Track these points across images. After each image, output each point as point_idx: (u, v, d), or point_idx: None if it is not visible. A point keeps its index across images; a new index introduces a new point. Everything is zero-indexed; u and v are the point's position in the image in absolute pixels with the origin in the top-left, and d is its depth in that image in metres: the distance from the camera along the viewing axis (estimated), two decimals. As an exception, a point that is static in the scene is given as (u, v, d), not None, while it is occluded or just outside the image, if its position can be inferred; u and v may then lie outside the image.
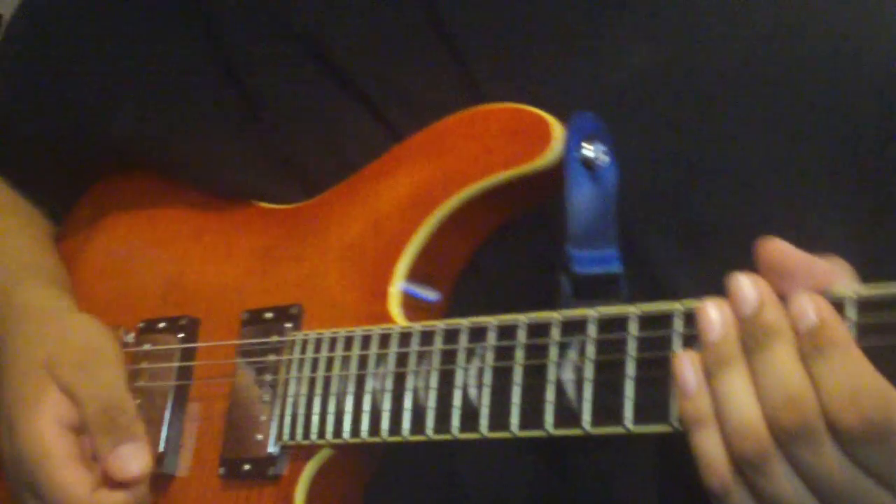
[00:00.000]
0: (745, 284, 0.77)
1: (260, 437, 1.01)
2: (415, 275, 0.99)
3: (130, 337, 1.15)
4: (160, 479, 1.07)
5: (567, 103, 0.94)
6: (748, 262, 0.81)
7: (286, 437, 0.99)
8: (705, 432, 0.77)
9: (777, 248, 0.78)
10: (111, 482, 0.99)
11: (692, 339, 0.80)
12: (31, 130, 1.23)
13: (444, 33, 1.00)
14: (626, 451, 0.93)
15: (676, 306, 0.81)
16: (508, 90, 0.97)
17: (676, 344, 0.80)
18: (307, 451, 0.99)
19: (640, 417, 0.81)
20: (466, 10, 1.00)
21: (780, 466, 0.74)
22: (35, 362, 1.04)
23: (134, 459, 0.98)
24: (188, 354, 1.10)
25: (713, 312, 0.78)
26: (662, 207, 0.94)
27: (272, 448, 1.00)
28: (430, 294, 0.99)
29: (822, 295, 0.76)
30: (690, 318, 0.80)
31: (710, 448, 0.76)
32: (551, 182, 0.94)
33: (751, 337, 0.76)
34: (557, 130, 0.92)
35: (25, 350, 1.06)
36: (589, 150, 0.92)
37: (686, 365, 0.78)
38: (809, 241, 0.85)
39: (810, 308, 0.74)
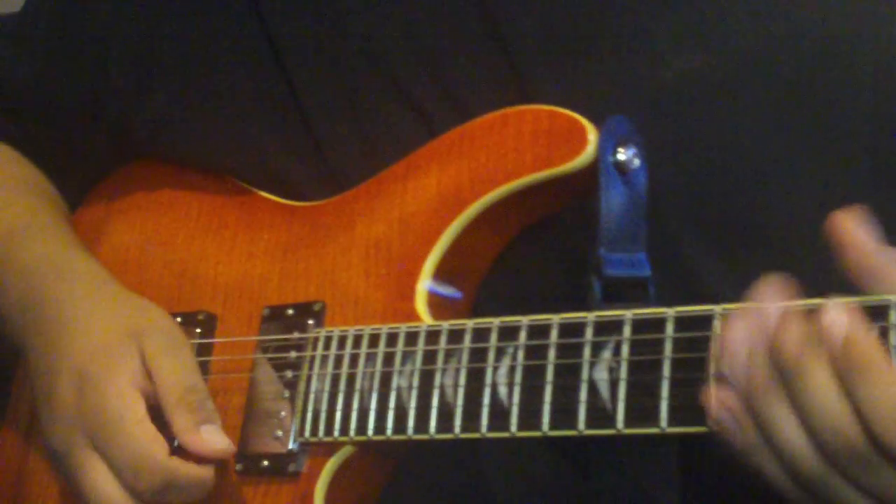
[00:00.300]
0: (769, 299, 0.76)
1: (280, 433, 1.01)
2: (442, 273, 0.99)
3: (144, 332, 1.14)
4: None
5: (608, 103, 0.95)
6: (781, 263, 0.81)
7: (307, 433, 0.98)
8: (761, 457, 0.76)
9: (849, 227, 0.77)
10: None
11: (731, 341, 0.80)
12: (56, 107, 1.22)
13: (494, 29, 1.01)
14: (647, 449, 0.93)
15: (714, 308, 0.82)
16: (553, 87, 0.98)
17: (714, 345, 0.81)
18: (328, 449, 0.98)
19: (675, 418, 0.82)
20: (518, 8, 1.00)
21: (842, 482, 0.74)
22: (120, 327, 1.03)
23: (219, 437, 0.98)
24: (205, 350, 1.09)
25: (737, 340, 0.76)
26: (698, 209, 0.95)
27: (292, 444, 1.00)
28: (456, 293, 1.00)
29: (864, 301, 0.76)
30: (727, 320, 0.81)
31: (771, 469, 0.76)
32: (582, 184, 0.94)
33: (783, 361, 0.75)
34: (592, 134, 0.93)
35: (105, 313, 1.05)
36: (622, 154, 0.93)
37: (716, 404, 0.77)
38: None
39: (840, 321, 0.73)
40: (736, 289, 0.90)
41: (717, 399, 0.77)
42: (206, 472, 0.98)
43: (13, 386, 1.22)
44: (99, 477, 0.98)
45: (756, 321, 0.76)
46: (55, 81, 1.22)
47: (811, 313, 0.76)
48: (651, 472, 0.94)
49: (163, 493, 0.97)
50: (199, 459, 0.98)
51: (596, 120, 0.94)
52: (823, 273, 0.92)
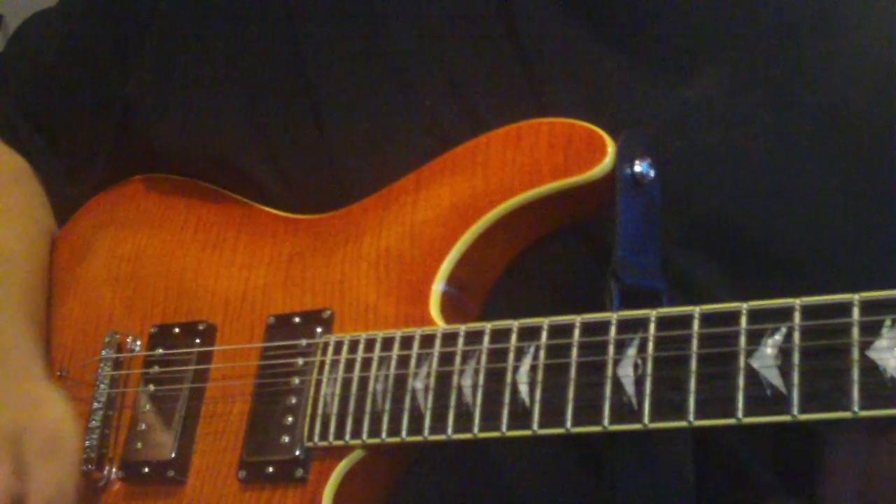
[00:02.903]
0: None
1: (286, 439, 1.00)
2: (455, 280, 1.00)
3: (137, 344, 1.14)
4: (172, 485, 1.06)
5: (626, 116, 0.97)
6: (790, 288, 0.84)
7: (317, 438, 0.98)
8: None
9: None
10: None
11: (758, 335, 0.83)
12: (80, 84, 1.23)
13: (515, 41, 1.03)
14: (660, 449, 0.94)
15: (741, 305, 0.84)
16: (570, 100, 1.00)
17: (742, 340, 0.83)
18: (337, 453, 0.98)
19: (703, 412, 0.83)
20: (540, 19, 1.03)
21: None
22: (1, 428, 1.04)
23: None
24: (205, 359, 1.08)
25: None
26: (709, 230, 0.97)
27: (299, 450, 0.99)
28: (468, 298, 1.01)
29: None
30: (755, 316, 0.83)
31: None
32: (597, 196, 0.97)
33: None
34: (611, 145, 0.95)
35: None
36: (638, 166, 0.96)
37: None
38: (852, 262, 0.90)
39: None
40: None
41: None
42: None
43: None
44: None
45: None
46: (79, 57, 1.23)
47: None
48: (667, 479, 0.96)
49: None
50: None
51: (609, 133, 0.96)
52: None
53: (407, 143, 1.06)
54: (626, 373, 0.87)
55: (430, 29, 1.07)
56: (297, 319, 1.04)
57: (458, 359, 0.94)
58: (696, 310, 0.86)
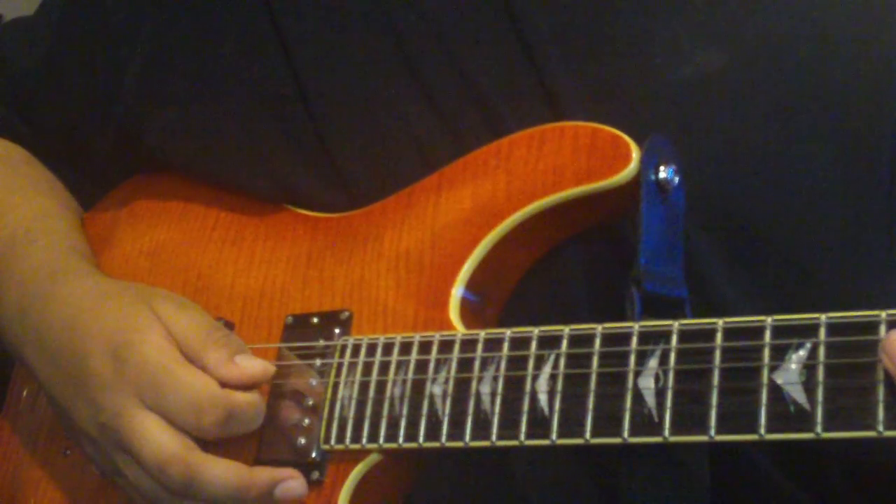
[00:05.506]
0: None
1: (303, 440, 0.99)
2: (474, 284, 0.99)
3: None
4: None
5: (628, 99, 0.96)
6: (802, 279, 0.83)
7: (333, 441, 0.98)
8: None
9: None
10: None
11: (782, 350, 0.81)
12: (62, 99, 1.21)
13: (516, 28, 1.01)
14: (676, 461, 0.94)
15: (766, 319, 0.83)
16: (573, 85, 0.99)
17: (766, 355, 0.82)
18: (353, 456, 0.97)
19: (724, 426, 0.82)
20: (539, 6, 1.01)
21: None
22: (130, 301, 1.04)
23: (255, 362, 1.00)
24: (222, 357, 1.08)
25: None
26: (714, 216, 0.96)
27: (316, 452, 0.99)
28: (487, 302, 1.00)
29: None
30: (780, 331, 0.82)
31: None
32: (620, 202, 0.95)
33: None
34: (636, 151, 0.94)
35: (111, 296, 1.06)
36: (663, 172, 0.94)
37: None
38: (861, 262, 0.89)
39: None
40: (753, 301, 0.92)
41: None
42: (257, 398, 0.99)
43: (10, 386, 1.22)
44: (155, 430, 0.97)
45: None
46: (64, 71, 1.20)
47: None
48: (683, 491, 0.95)
49: (226, 424, 0.97)
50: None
51: (614, 123, 0.96)
52: (845, 286, 0.95)
53: (411, 143, 1.05)
54: (647, 384, 0.86)
55: (436, 24, 1.05)
56: (315, 320, 1.04)
57: (477, 365, 0.93)
58: (720, 322, 0.85)
